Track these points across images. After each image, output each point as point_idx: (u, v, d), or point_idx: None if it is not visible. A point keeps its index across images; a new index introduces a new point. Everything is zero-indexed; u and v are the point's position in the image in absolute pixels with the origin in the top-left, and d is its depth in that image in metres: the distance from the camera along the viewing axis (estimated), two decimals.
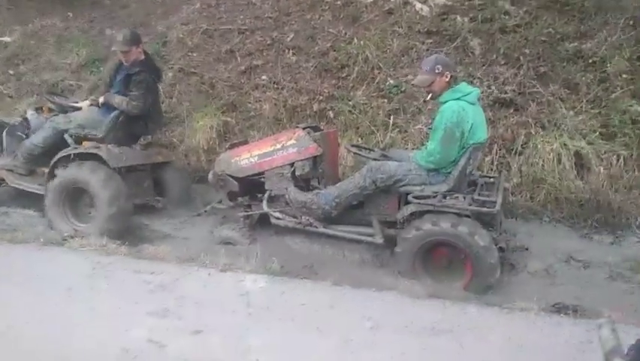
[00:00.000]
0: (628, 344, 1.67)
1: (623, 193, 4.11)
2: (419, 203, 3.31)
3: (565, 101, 4.64)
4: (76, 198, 4.25)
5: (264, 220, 4.00)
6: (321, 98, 5.35)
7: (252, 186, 4.07)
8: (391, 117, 5.00)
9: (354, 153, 4.04)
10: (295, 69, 5.65)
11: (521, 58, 4.95)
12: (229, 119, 5.49)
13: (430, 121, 4.92)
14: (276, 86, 5.59)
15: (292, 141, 3.80)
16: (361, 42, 5.49)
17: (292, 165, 3.81)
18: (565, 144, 4.33)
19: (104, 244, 3.69)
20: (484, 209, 3.21)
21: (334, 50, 5.61)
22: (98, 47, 6.58)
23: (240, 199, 4.07)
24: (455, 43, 5.29)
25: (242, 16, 6.37)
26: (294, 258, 3.64)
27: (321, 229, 3.67)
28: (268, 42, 5.97)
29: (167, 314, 2.83)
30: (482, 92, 4.74)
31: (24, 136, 4.65)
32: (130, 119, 4.38)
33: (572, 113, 4.53)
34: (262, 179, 3.96)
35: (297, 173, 3.79)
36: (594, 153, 4.27)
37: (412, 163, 3.46)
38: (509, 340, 2.53)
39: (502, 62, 5.05)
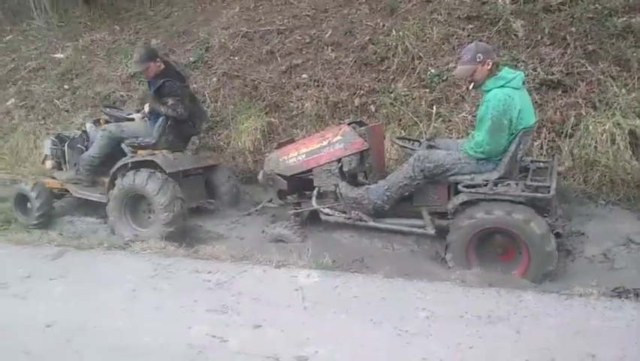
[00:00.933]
0: None
1: None
2: (470, 192, 3.27)
3: (616, 79, 4.45)
4: (135, 204, 4.47)
5: (313, 217, 4.07)
6: (362, 92, 5.38)
7: (301, 183, 4.14)
8: (434, 107, 4.95)
9: (401, 146, 4.04)
10: (335, 65, 5.69)
11: (567, 37, 4.77)
12: (273, 119, 5.61)
13: (474, 109, 4.85)
14: (316, 83, 5.65)
15: (338, 137, 3.83)
16: (400, 33, 5.46)
17: (339, 160, 3.84)
18: (618, 124, 4.16)
19: (163, 246, 3.89)
20: (539, 195, 3.14)
21: (373, 43, 5.60)
22: None
23: (289, 197, 4.16)
24: (497, 27, 5.17)
25: (280, 17, 6.47)
26: (345, 253, 3.70)
27: (372, 223, 3.68)
28: (307, 40, 6.03)
29: (227, 310, 2.96)
30: (528, 75, 4.63)
31: (84, 148, 4.93)
32: (178, 122, 4.58)
33: (623, 91, 4.34)
34: (310, 176, 4.02)
35: (345, 168, 3.81)
36: None
37: (461, 152, 3.42)
38: (568, 326, 2.49)
39: (548, 43, 4.89)
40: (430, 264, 3.51)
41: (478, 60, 3.27)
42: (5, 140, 6.77)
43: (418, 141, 4.04)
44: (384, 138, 4.38)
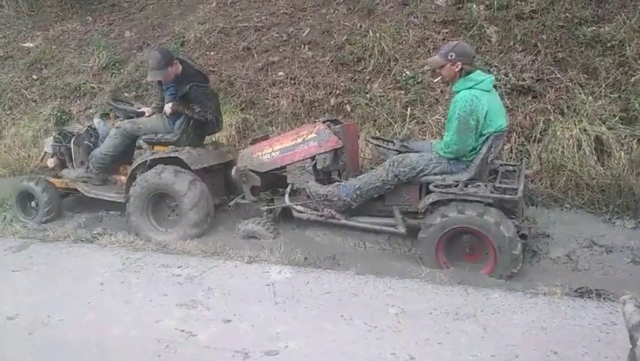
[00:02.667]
0: None
1: None
2: (441, 192, 3.32)
3: (584, 86, 4.60)
4: (157, 203, 4.23)
5: (286, 214, 4.06)
6: (337, 92, 5.41)
7: (274, 180, 4.13)
8: (409, 109, 5.01)
9: (375, 145, 4.07)
10: (312, 64, 5.71)
11: (539, 44, 4.91)
12: (248, 116, 5.58)
13: (447, 111, 4.92)
14: (293, 81, 5.66)
15: (313, 135, 3.84)
16: (377, 34, 5.51)
17: (313, 158, 3.86)
18: (585, 130, 4.29)
19: (132, 240, 3.83)
20: (507, 196, 3.22)
21: (350, 44, 5.65)
22: (117, 49, 6.73)
23: (262, 194, 4.14)
24: (471, 32, 5.28)
25: (257, 13, 6.45)
26: (317, 250, 3.72)
27: (343, 221, 3.71)
28: (284, 38, 6.04)
29: (196, 305, 2.93)
30: (500, 80, 4.75)
31: (92, 145, 4.66)
32: (201, 121, 4.34)
33: (591, 98, 4.49)
34: (284, 173, 4.01)
35: (319, 166, 3.83)
36: (614, 137, 4.22)
37: (433, 153, 3.48)
38: (533, 323, 2.56)
39: (520, 49, 5.02)
40: (401, 262, 3.53)
41: (449, 58, 3.33)
42: None
43: (392, 142, 4.07)
44: (359, 137, 4.40)
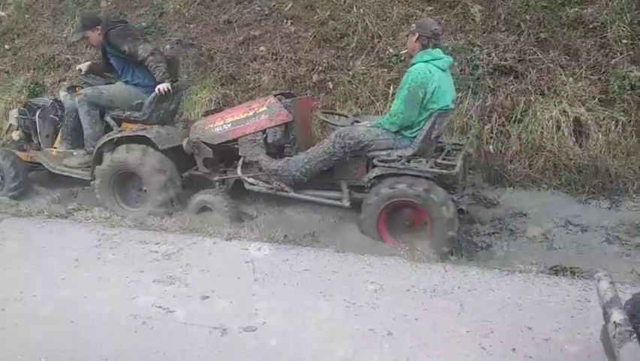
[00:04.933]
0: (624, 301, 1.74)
1: (621, 159, 4.13)
2: (383, 166, 3.43)
3: (565, 67, 4.61)
4: (125, 181, 4.19)
5: (269, 195, 4.00)
6: (320, 68, 5.33)
7: (226, 152, 4.14)
8: (391, 87, 4.97)
9: (323, 121, 4.14)
10: (294, 39, 5.60)
11: (522, 24, 4.90)
12: (228, 91, 5.47)
13: None
14: (274, 57, 5.55)
15: (264, 108, 3.86)
16: (361, 10, 5.42)
17: (264, 131, 3.88)
18: (564, 111, 4.33)
19: (108, 216, 3.76)
20: (444, 171, 3.34)
21: (333, 20, 5.55)
22: None
23: (216, 166, 4.15)
24: (455, 10, 5.23)
25: None
26: (297, 227, 3.72)
27: (292, 194, 3.78)
28: (266, 12, 5.89)
29: (174, 282, 2.90)
30: (482, 60, 4.75)
31: (57, 119, 4.54)
32: (167, 96, 4.23)
33: (571, 79, 4.52)
34: (236, 146, 4.01)
35: (269, 140, 3.87)
36: (593, 119, 4.27)
37: (379, 128, 3.53)
38: (508, 300, 2.60)
39: (503, 29, 5.00)
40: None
41: (411, 30, 3.51)
42: None
43: (345, 116, 4.13)
44: (312, 111, 4.38)
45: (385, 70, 5.14)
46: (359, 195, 3.60)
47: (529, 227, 3.74)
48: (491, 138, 4.45)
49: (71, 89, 4.66)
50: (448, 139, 4.10)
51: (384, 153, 3.48)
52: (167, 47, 5.88)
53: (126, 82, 4.31)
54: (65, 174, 4.38)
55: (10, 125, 4.80)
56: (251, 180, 3.92)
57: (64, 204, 4.17)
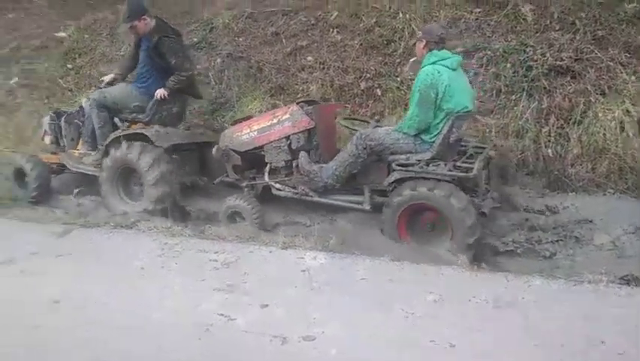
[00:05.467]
0: None
1: None
2: (402, 170, 3.51)
3: (625, 65, 4.41)
4: (127, 176, 4.49)
5: (318, 204, 4.06)
6: (367, 75, 5.33)
7: (254, 159, 4.30)
8: None
9: (344, 126, 4.26)
10: (340, 48, 5.63)
11: (577, 22, 4.73)
12: (277, 101, 5.55)
13: (480, 94, 4.83)
14: (322, 66, 5.60)
15: (287, 115, 4.00)
16: (407, 16, 5.40)
17: (288, 138, 4.01)
18: (627, 111, 4.14)
19: (169, 226, 3.90)
20: (461, 174, 3.37)
21: (379, 26, 5.54)
22: None
23: (246, 173, 4.32)
24: (506, 11, 5.12)
25: None
26: (350, 237, 3.72)
27: (316, 199, 3.91)
28: (312, 22, 5.97)
29: (234, 290, 2.96)
30: (536, 61, 4.61)
31: (80, 123, 4.89)
32: (169, 100, 4.51)
33: (633, 78, 4.31)
34: (262, 152, 4.18)
35: (293, 146, 4.00)
36: None
37: (399, 132, 3.59)
38: (577, 312, 2.50)
39: (557, 28, 4.84)
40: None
41: (418, 37, 3.66)
42: (9, 118, 6.71)
43: (367, 122, 4.25)
44: (336, 117, 4.45)
45: None
46: (381, 199, 3.67)
47: (596, 234, 3.58)
48: (549, 141, 4.31)
49: None
50: (471, 142, 4.10)
51: (404, 157, 3.55)
52: (218, 60, 6.06)
53: (138, 81, 4.61)
54: (81, 172, 4.75)
55: (45, 131, 5.13)
56: (278, 185, 4.06)
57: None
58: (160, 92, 4.43)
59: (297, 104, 4.09)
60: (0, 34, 8.31)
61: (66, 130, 4.96)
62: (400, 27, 5.41)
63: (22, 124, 6.54)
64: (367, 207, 3.70)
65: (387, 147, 3.59)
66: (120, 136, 4.39)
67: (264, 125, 4.11)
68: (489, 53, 4.93)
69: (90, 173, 4.66)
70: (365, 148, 3.61)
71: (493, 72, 4.85)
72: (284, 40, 5.95)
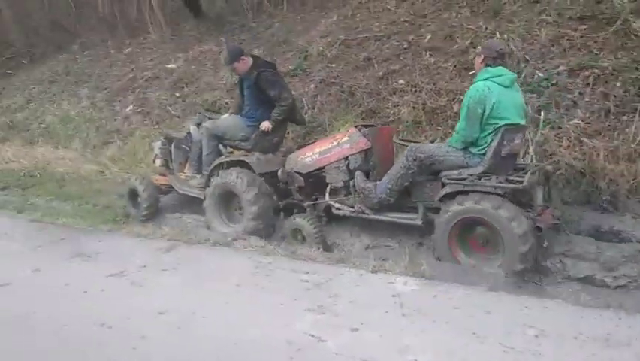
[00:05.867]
0: None
1: None
2: (452, 184, 3.55)
3: None
4: (229, 201, 4.71)
5: (408, 228, 4.05)
6: (461, 97, 5.18)
7: (318, 182, 4.53)
8: (542, 113, 4.67)
9: (399, 144, 4.44)
10: (433, 70, 5.59)
11: None
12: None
13: (587, 115, 4.53)
14: (414, 89, 5.58)
15: (345, 138, 4.23)
16: (504, 36, 5.23)
17: (346, 159, 4.22)
18: None
19: (262, 245, 4.05)
20: (510, 185, 3.35)
21: (474, 47, 5.42)
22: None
23: (314, 195, 4.51)
24: (614, 27, 4.80)
25: (377, 23, 6.49)
26: (441, 262, 3.62)
27: (372, 216, 4.05)
28: (404, 46, 6.00)
29: (324, 311, 3.00)
30: None
31: (187, 148, 5.28)
32: (272, 130, 4.73)
33: None
34: (323, 173, 4.44)
35: (351, 166, 4.20)
36: None
37: (449, 146, 3.68)
38: None
39: None
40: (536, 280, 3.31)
41: (477, 52, 3.74)
42: (124, 142, 7.45)
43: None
44: (392, 139, 4.54)
45: (535, 95, 4.84)
46: (434, 215, 3.69)
47: None
48: None
49: (199, 124, 5.29)
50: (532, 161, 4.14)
51: (455, 172, 3.60)
52: (312, 86, 6.28)
53: (245, 113, 4.89)
54: (187, 194, 5.07)
55: (156, 155, 5.57)
56: (337, 204, 4.27)
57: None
58: (265, 125, 4.68)
59: (356, 127, 4.28)
60: (118, 67, 9.33)
61: (175, 154, 5.40)
62: None
63: (136, 147, 7.21)
64: (419, 222, 3.79)
65: (437, 159, 3.68)
66: (223, 162, 4.70)
67: (325, 148, 4.36)
68: (596, 71, 4.63)
69: (194, 195, 4.98)
70: (415, 160, 3.71)
71: (601, 91, 4.53)
72: (376, 65, 6.03)
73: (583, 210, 4.08)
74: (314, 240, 4.13)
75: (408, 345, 2.57)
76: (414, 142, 4.47)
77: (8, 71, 12.10)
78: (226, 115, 5.24)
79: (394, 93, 5.69)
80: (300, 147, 4.76)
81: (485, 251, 3.48)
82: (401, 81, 5.74)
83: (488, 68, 3.55)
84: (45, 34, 12.44)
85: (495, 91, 3.43)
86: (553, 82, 4.79)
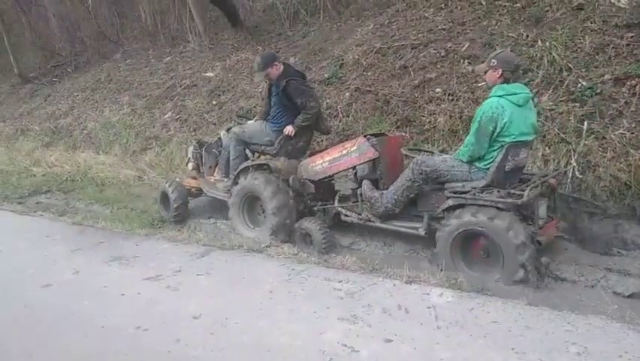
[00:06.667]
0: None
1: None
2: (454, 197, 3.58)
3: None
4: (252, 204, 4.81)
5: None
6: None
7: (326, 187, 4.68)
8: (585, 123, 4.52)
9: (406, 155, 4.40)
10: (471, 79, 5.50)
11: None
12: (404, 133, 5.57)
13: (633, 125, 4.35)
14: (451, 97, 5.51)
15: (354, 147, 4.28)
16: (546, 43, 5.11)
17: (354, 167, 4.33)
18: None
19: (295, 252, 4.06)
20: (509, 200, 3.34)
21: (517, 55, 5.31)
22: None
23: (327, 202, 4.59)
24: None
25: (414, 32, 6.45)
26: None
27: (378, 224, 4.11)
28: (442, 54, 5.93)
29: (357, 321, 2.96)
30: None
31: (218, 153, 5.41)
32: (296, 135, 4.80)
33: None
34: (332, 181, 4.66)
35: (359, 175, 4.31)
36: None
37: (455, 160, 3.68)
38: None
39: None
40: (580, 295, 3.17)
41: (492, 64, 3.55)
42: (162, 148, 7.63)
43: (431, 152, 4.40)
44: (401, 148, 4.46)
45: (577, 104, 4.70)
46: (439, 225, 3.71)
47: None
48: None
49: (229, 129, 5.38)
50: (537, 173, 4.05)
51: (459, 185, 3.64)
52: (347, 94, 6.28)
53: (271, 119, 4.97)
54: (214, 196, 5.20)
55: (189, 158, 5.72)
56: (346, 212, 4.34)
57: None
58: (288, 130, 4.76)
59: (365, 136, 4.32)
60: (158, 75, 9.59)
61: (206, 158, 5.55)
62: (539, 55, 5.15)
63: (173, 153, 7.38)
64: (423, 232, 3.82)
65: (441, 173, 3.71)
66: (249, 166, 4.80)
67: (335, 157, 4.43)
68: None
69: (221, 198, 5.12)
70: (421, 173, 3.75)
71: None
72: (412, 73, 5.99)
73: (629, 225, 3.91)
74: (321, 244, 4.21)
75: (443, 359, 2.51)
76: (424, 151, 4.56)
77: (54, 79, 12.66)
78: (252, 121, 5.34)
79: (431, 102, 5.63)
80: (311, 154, 4.86)
81: (487, 262, 3.48)
82: (438, 89, 5.67)
83: (504, 85, 3.50)
84: (90, 43, 12.95)
85: (508, 110, 3.40)
86: (598, 91, 4.63)
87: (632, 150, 4.19)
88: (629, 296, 3.16)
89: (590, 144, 4.40)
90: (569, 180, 4.34)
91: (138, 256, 4.31)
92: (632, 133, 4.31)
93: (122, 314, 3.28)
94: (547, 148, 4.58)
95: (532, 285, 3.26)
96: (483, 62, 3.82)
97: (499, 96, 3.47)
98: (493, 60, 3.54)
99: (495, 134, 3.45)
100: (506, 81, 3.52)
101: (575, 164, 4.34)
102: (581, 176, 4.29)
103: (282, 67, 4.88)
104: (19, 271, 4.23)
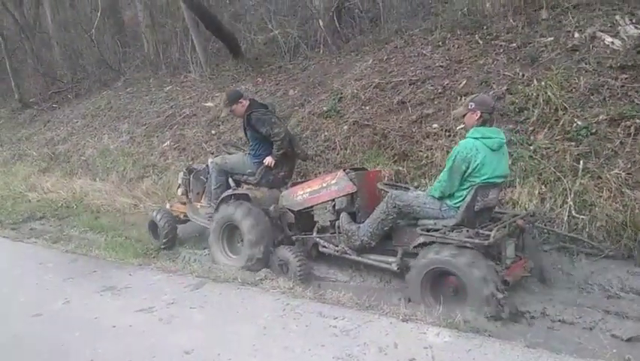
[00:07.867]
0: None
1: None
2: (425, 235, 3.72)
3: None
4: (231, 233, 4.90)
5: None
6: None
7: (306, 218, 4.73)
8: (581, 162, 4.55)
9: (383, 190, 4.47)
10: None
11: None
12: (401, 168, 5.59)
13: (629, 165, 4.39)
14: (447, 133, 5.56)
15: (334, 181, 4.46)
16: (542, 83, 5.19)
17: (334, 200, 4.45)
18: None
19: (291, 286, 4.01)
20: (476, 240, 3.43)
21: (510, 93, 5.41)
22: (282, 106, 7.35)
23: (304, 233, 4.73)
24: None
25: (412, 68, 6.56)
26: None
27: (354, 257, 4.26)
28: (439, 91, 6.01)
29: (353, 360, 2.90)
30: None
31: (205, 180, 5.51)
32: (276, 165, 4.97)
33: None
34: (312, 212, 4.66)
35: (337, 207, 4.42)
36: None
37: (427, 197, 3.82)
38: None
39: None
40: (577, 335, 3.13)
41: (470, 107, 3.70)
42: (159, 177, 7.62)
43: (407, 188, 4.53)
44: (378, 183, 4.64)
45: (573, 143, 4.75)
46: (411, 260, 3.81)
47: None
48: None
49: (217, 157, 5.50)
50: (509, 212, 4.20)
51: (431, 222, 3.77)
52: (345, 127, 6.33)
53: (250, 151, 5.15)
54: (197, 222, 5.36)
55: (179, 184, 5.84)
56: (323, 242, 4.48)
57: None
58: (268, 160, 4.95)
59: (344, 170, 4.49)
60: (158, 104, 9.68)
61: (194, 185, 5.64)
62: (534, 94, 5.21)
63: (170, 182, 7.36)
64: (395, 267, 3.94)
65: (414, 209, 3.85)
66: (230, 195, 4.90)
67: (315, 189, 4.58)
68: (638, 121, 4.53)
69: (203, 224, 5.21)
70: (395, 207, 3.88)
71: None
72: (409, 109, 6.05)
73: (627, 267, 3.89)
74: (297, 273, 4.33)
75: None
76: (400, 186, 4.73)
77: (54, 105, 12.75)
78: (235, 152, 5.50)
79: (428, 137, 5.67)
80: (293, 185, 5.00)
81: (457, 299, 3.53)
82: (435, 125, 5.73)
83: (481, 128, 3.64)
84: (92, 71, 13.11)
85: (482, 153, 3.55)
86: (593, 130, 4.68)
87: (627, 190, 4.21)
88: (627, 340, 3.13)
89: (585, 183, 4.42)
90: (565, 218, 4.34)
91: (131, 287, 4.25)
92: (628, 173, 4.34)
93: (112, 347, 3.21)
94: (543, 187, 4.60)
95: (503, 319, 3.34)
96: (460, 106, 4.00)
97: (475, 138, 3.61)
98: (471, 103, 3.69)
99: (467, 174, 3.60)
100: (484, 123, 3.67)
101: (571, 203, 4.36)
102: (577, 215, 4.29)
103: (247, 103, 5.07)
104: (10, 300, 4.16)
